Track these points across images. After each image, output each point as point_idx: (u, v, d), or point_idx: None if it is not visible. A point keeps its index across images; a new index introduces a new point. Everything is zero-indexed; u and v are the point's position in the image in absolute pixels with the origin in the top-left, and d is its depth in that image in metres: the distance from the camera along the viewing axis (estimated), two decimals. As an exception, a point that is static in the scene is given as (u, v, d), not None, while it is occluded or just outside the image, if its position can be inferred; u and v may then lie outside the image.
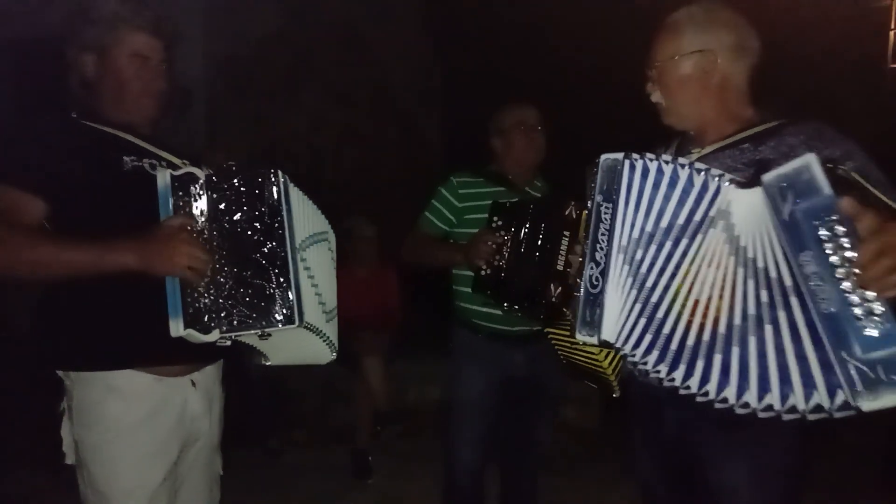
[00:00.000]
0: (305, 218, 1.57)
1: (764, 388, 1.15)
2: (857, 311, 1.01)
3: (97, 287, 1.39)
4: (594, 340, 1.33)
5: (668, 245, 1.24)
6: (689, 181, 1.23)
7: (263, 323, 1.40)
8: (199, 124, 4.51)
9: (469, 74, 6.00)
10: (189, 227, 1.39)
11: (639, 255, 1.28)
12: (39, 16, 3.85)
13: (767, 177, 1.11)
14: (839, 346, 1.04)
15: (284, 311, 1.39)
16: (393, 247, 2.83)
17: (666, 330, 1.25)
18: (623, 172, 1.29)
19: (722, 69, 1.42)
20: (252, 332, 1.41)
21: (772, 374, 1.14)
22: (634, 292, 1.29)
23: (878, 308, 1.00)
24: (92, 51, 1.54)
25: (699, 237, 1.22)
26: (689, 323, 1.22)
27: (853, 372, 1.02)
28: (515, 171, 2.34)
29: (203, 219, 1.42)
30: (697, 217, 1.22)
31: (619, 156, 1.31)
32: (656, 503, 1.63)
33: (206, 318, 1.38)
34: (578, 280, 1.38)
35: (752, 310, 1.16)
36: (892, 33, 6.61)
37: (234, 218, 1.42)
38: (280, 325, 1.39)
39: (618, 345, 1.31)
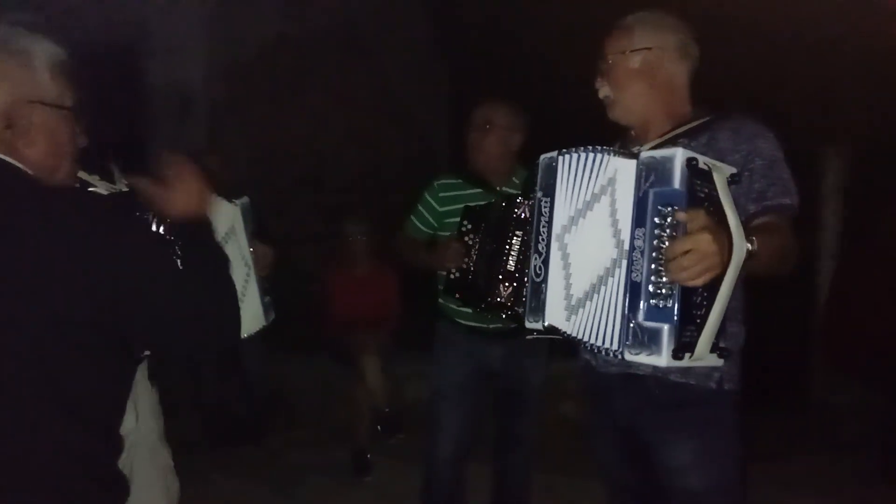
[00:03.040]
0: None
1: (603, 333, 1.33)
2: (651, 287, 1.21)
3: None
4: (539, 326, 1.44)
5: (581, 221, 1.39)
6: (593, 161, 1.37)
7: None
8: (200, 129, 4.57)
9: (474, 75, 6.00)
10: None
11: (566, 239, 1.42)
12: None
13: (643, 154, 1.27)
14: (631, 308, 1.25)
15: None
16: (395, 247, 2.87)
17: (576, 293, 1.38)
18: (557, 168, 1.43)
19: (667, 67, 1.55)
20: None
21: (608, 321, 1.31)
22: (564, 272, 1.41)
23: (665, 291, 1.20)
24: None
25: (595, 206, 1.36)
26: (583, 282, 1.37)
27: (630, 330, 1.25)
28: (487, 170, 2.36)
29: None
30: (596, 189, 1.36)
31: (554, 153, 1.46)
32: (616, 484, 1.73)
33: None
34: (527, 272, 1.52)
35: (608, 263, 1.32)
36: (899, 25, 6.52)
37: None
38: None
39: (562, 329, 1.41)
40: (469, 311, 2.25)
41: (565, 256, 1.41)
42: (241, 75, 4.74)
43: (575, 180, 1.40)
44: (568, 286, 1.40)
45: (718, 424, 1.51)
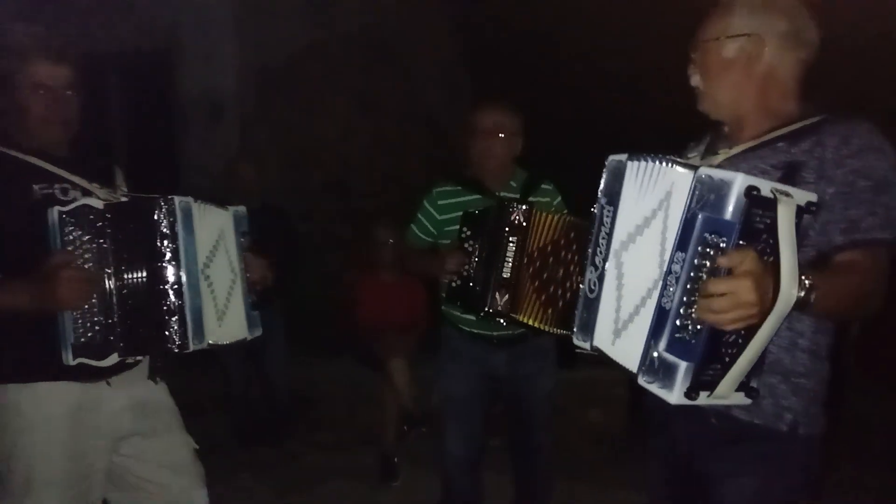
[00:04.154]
0: (208, 232, 1.59)
1: (628, 352, 1.23)
2: (678, 320, 1.11)
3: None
4: (587, 346, 1.34)
5: (638, 239, 1.25)
6: (658, 172, 1.22)
7: (161, 348, 1.48)
8: (231, 135, 4.64)
9: (499, 81, 6.00)
10: (71, 263, 1.44)
11: (623, 257, 1.28)
12: None
13: (702, 170, 1.12)
14: (654, 335, 1.15)
15: (180, 337, 1.46)
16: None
17: (623, 316, 1.26)
18: (626, 174, 1.28)
19: (769, 58, 1.33)
20: (151, 354, 1.51)
21: (635, 341, 1.21)
22: (617, 293, 1.28)
23: (692, 326, 1.10)
24: None
25: (653, 222, 1.22)
26: (630, 306, 1.26)
27: (648, 356, 1.16)
28: (489, 176, 2.31)
29: (95, 249, 1.47)
30: (655, 204, 1.22)
31: (623, 157, 1.30)
32: None
33: (99, 346, 1.45)
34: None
35: (650, 284, 1.20)
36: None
37: (128, 247, 1.47)
38: (177, 351, 1.47)
39: (606, 353, 1.31)
40: (472, 318, 2.23)
41: (620, 276, 1.28)
42: (271, 82, 4.80)
43: (640, 191, 1.24)
44: (618, 308, 1.27)
45: (782, 465, 1.33)
